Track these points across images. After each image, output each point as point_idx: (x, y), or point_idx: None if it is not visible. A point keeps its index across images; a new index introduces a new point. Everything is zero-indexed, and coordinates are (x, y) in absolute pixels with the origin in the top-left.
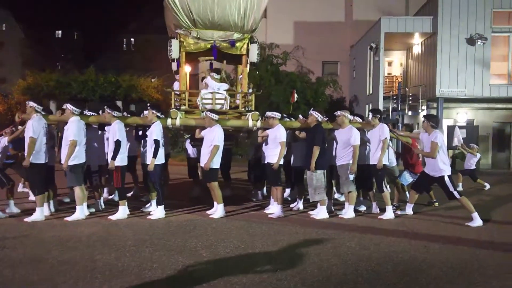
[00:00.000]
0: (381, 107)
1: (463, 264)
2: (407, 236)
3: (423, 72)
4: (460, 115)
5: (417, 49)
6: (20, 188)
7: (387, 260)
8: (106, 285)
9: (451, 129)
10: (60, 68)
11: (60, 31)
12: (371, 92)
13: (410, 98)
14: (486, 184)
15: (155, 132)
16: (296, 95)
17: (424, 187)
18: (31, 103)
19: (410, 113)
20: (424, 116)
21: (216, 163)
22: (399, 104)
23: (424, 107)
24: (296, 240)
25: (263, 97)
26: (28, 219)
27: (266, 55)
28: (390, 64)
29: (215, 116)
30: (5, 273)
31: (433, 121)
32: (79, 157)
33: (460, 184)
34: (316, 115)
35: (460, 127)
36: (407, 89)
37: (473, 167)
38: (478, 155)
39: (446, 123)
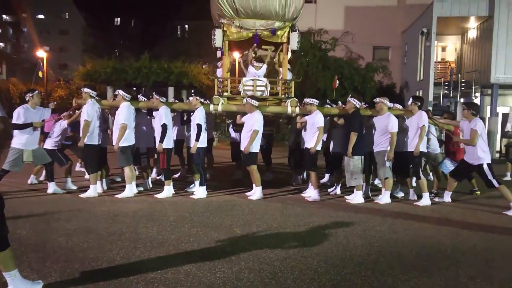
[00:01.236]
0: (431, 94)
1: (488, 251)
2: (440, 223)
3: (478, 57)
4: None
5: (472, 34)
6: (78, 167)
7: (413, 244)
8: (147, 254)
9: (505, 117)
10: (117, 54)
11: (118, 19)
12: (421, 78)
13: (463, 84)
14: None
15: (198, 117)
16: (337, 82)
17: (463, 175)
18: (86, 89)
19: (462, 100)
20: (464, 104)
21: (255, 148)
22: (450, 91)
23: (478, 94)
24: (327, 222)
25: (309, 83)
26: (82, 195)
27: (314, 41)
28: (444, 49)
29: (255, 103)
30: (60, 240)
31: (474, 109)
32: (128, 139)
33: (509, 174)
34: (354, 102)
35: None
36: (459, 76)
37: None
38: None
39: (501, 110)
